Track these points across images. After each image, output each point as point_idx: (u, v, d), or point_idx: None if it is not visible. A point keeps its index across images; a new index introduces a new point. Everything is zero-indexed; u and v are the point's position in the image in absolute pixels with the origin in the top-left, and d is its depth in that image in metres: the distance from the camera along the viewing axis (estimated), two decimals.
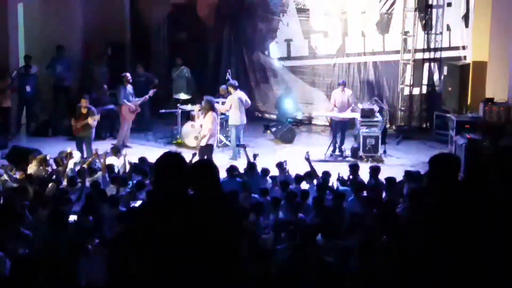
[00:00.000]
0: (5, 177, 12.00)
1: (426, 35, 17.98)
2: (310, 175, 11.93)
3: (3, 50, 17.90)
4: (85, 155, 14.59)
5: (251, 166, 12.64)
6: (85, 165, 13.00)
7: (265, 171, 12.44)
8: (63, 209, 9.20)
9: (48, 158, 13.14)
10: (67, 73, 18.64)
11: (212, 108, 14.50)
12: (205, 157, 14.25)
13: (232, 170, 12.20)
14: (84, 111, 15.09)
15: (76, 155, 13.77)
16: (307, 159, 12.51)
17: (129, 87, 16.72)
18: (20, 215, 8.84)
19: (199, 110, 14.90)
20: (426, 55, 18.07)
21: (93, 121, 15.04)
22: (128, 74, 16.81)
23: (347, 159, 15.87)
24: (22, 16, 18.96)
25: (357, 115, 16.27)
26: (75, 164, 13.34)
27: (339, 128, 16.43)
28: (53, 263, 7.06)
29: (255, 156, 13.41)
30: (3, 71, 17.46)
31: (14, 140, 16.58)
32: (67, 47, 18.75)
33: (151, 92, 17.00)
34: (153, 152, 14.82)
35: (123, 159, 13.41)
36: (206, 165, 5.42)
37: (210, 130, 14.24)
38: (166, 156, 5.07)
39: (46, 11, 19.28)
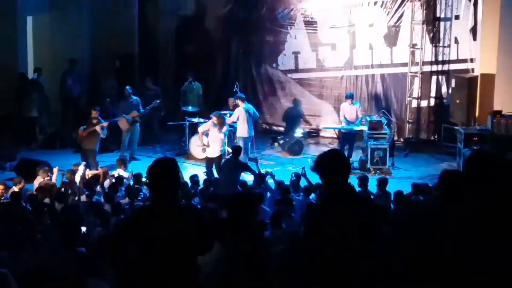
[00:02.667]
0: (15, 189, 12.03)
1: (434, 48, 17.98)
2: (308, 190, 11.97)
3: (13, 62, 18.05)
4: (91, 168, 14.58)
5: (260, 178, 12.68)
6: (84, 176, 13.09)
7: (279, 184, 12.40)
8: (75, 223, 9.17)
9: (55, 171, 13.18)
10: (76, 86, 18.75)
11: (224, 122, 14.73)
12: (213, 167, 14.43)
13: (236, 150, 13.20)
14: (94, 121, 15.13)
15: (81, 168, 13.77)
16: (303, 174, 12.57)
17: (133, 100, 16.63)
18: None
19: (212, 125, 14.89)
20: (434, 67, 18.06)
21: (100, 128, 15.02)
22: (127, 88, 16.79)
23: (355, 171, 15.87)
24: (31, 28, 19.12)
25: (365, 128, 16.29)
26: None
27: (347, 141, 16.46)
28: (62, 278, 7.06)
29: (267, 174, 13.32)
30: (28, 81, 17.66)
31: (22, 152, 16.62)
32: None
33: (151, 106, 16.93)
34: None
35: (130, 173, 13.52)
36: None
37: (221, 141, 14.43)
38: (158, 162, 5.11)
39: (55, 24, 19.43)
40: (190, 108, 17.80)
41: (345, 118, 16.53)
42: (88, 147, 15.15)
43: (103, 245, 7.16)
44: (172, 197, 5.04)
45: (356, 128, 16.39)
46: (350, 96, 16.68)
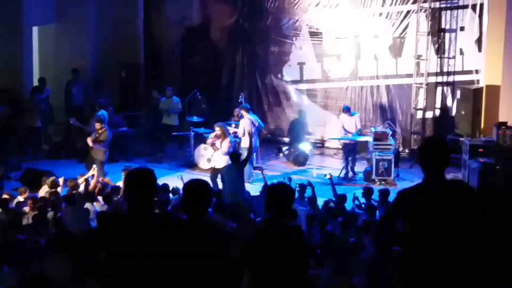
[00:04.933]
0: (20, 198, 12.05)
1: (439, 59, 17.97)
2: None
3: (18, 72, 18.07)
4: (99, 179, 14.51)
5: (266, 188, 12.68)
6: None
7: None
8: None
9: (61, 181, 13.19)
10: (81, 95, 18.79)
11: (227, 133, 14.70)
12: (215, 178, 14.41)
13: (234, 156, 13.18)
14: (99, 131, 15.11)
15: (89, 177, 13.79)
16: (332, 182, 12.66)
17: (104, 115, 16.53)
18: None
19: (215, 137, 14.89)
20: (439, 78, 18.05)
21: (101, 141, 15.02)
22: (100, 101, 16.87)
23: (359, 182, 15.89)
24: (36, 38, 19.15)
25: (369, 139, 16.30)
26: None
27: (350, 151, 16.47)
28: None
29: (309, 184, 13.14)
30: (34, 91, 17.74)
31: (28, 162, 16.64)
32: (81, 69, 18.92)
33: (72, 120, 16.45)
34: (165, 175, 14.99)
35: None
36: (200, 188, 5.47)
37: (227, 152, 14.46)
38: (136, 171, 5.21)
39: (61, 34, 19.47)
40: (195, 118, 17.76)
41: (344, 129, 16.55)
42: (95, 157, 15.12)
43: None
44: (147, 206, 5.09)
45: (359, 139, 16.42)
46: (347, 110, 16.69)
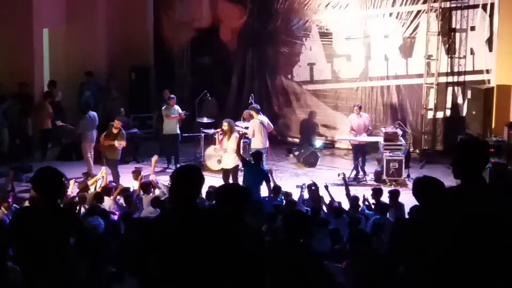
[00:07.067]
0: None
1: (449, 59, 17.92)
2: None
3: (28, 75, 18.12)
4: (110, 178, 14.52)
5: (276, 189, 12.68)
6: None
7: (287, 195, 12.43)
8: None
9: (73, 183, 13.22)
10: (93, 97, 18.86)
11: (234, 129, 14.66)
12: (230, 179, 14.35)
13: (257, 155, 12.92)
14: (115, 131, 15.12)
15: (99, 179, 13.84)
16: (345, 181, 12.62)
17: (93, 116, 16.47)
18: None
19: (220, 133, 14.89)
20: (450, 78, 18.00)
21: (119, 144, 15.04)
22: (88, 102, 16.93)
23: (370, 182, 15.86)
24: (47, 41, 19.20)
25: (380, 139, 16.26)
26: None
27: (359, 151, 16.45)
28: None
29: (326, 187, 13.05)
30: (46, 94, 17.79)
31: (38, 164, 16.68)
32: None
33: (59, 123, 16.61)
34: None
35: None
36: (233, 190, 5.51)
37: (233, 151, 14.33)
38: (184, 168, 5.27)
39: (71, 36, 19.54)
40: (205, 119, 17.75)
41: (352, 129, 16.49)
42: (110, 157, 15.15)
43: (128, 254, 7.20)
44: (192, 201, 5.09)
45: (369, 139, 16.38)
46: (358, 107, 16.67)
